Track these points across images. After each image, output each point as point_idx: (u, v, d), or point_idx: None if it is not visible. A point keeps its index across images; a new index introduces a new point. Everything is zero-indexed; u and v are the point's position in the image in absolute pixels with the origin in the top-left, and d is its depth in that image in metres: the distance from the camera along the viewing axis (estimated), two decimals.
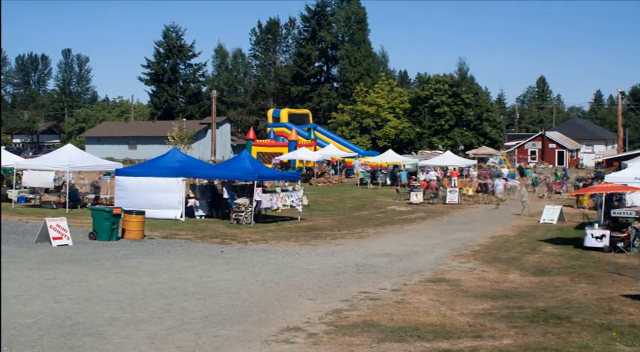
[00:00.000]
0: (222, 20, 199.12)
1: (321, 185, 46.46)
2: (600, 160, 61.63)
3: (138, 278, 15.01)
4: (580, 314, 12.38)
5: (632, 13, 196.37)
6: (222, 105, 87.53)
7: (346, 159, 55.60)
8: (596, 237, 20.32)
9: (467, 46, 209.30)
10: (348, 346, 10.29)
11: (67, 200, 28.46)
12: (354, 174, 52.35)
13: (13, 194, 30.43)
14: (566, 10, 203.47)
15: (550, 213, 27.78)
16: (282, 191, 27.78)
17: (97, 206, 25.89)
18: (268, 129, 62.51)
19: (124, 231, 21.04)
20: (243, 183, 27.17)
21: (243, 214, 25.38)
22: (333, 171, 52.61)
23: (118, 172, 27.82)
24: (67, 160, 28.91)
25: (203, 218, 26.75)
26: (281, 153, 52.15)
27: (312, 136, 58.73)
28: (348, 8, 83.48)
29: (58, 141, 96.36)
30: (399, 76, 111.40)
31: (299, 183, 30.16)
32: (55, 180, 30.69)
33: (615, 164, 48.82)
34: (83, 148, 56.24)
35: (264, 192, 26.87)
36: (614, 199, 24.53)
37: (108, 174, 31.47)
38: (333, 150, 54.53)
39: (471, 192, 39.79)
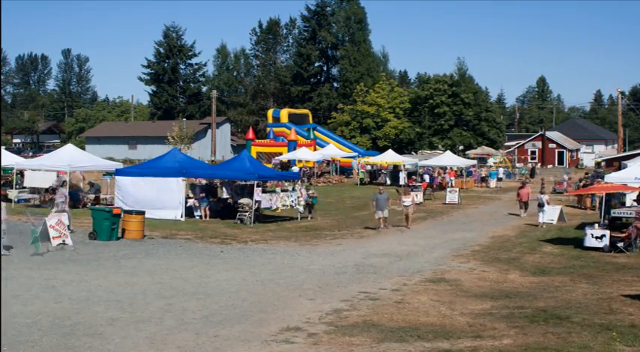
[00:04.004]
0: (222, 20, 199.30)
1: (321, 185, 46.46)
2: (599, 160, 61.66)
3: (138, 278, 15.01)
4: (580, 314, 12.37)
5: (632, 13, 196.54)
6: (222, 105, 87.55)
7: (344, 160, 55.53)
8: (596, 237, 20.32)
9: (467, 46, 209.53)
10: (348, 346, 10.28)
11: (67, 200, 28.41)
12: (352, 174, 52.50)
13: (13, 194, 30.42)
14: (566, 10, 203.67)
15: (550, 213, 27.76)
16: (282, 191, 27.80)
17: (97, 206, 25.90)
18: (268, 129, 62.50)
19: (123, 231, 21.05)
20: (243, 183, 27.19)
21: (247, 214, 25.39)
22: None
23: (118, 172, 27.82)
24: (67, 160, 28.88)
25: (203, 218, 26.73)
26: (281, 153, 52.14)
27: (312, 136, 58.72)
28: (347, 8, 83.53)
29: (58, 141, 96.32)
30: (399, 76, 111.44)
31: (299, 182, 30.17)
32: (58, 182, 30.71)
33: (615, 164, 48.84)
34: (83, 148, 56.15)
35: (263, 192, 26.90)
36: (614, 200, 24.53)
37: (108, 174, 31.48)
38: (333, 150, 54.53)
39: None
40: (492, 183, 48.82)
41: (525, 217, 29.06)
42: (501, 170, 55.90)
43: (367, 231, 24.75)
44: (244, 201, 25.75)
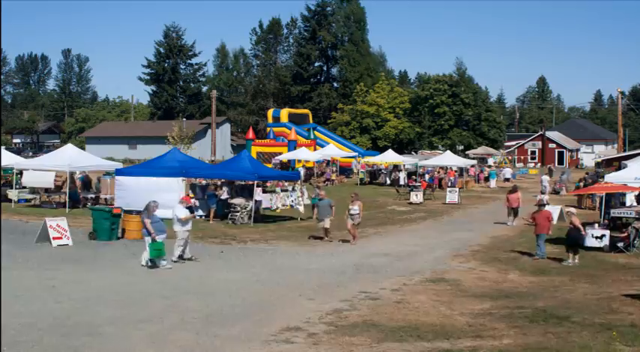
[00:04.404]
0: (222, 20, 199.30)
1: (321, 185, 46.41)
2: (600, 159, 61.54)
3: (138, 278, 15.01)
4: (580, 314, 12.37)
5: (631, 13, 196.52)
6: (222, 105, 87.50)
7: (343, 160, 55.41)
8: (596, 237, 20.31)
9: (466, 46, 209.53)
10: (348, 346, 10.29)
11: (67, 200, 28.46)
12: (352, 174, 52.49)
13: (13, 194, 30.41)
14: (566, 10, 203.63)
15: None
16: (282, 191, 27.78)
17: (97, 206, 25.88)
18: (268, 129, 62.51)
19: (123, 230, 21.03)
20: (243, 183, 27.17)
21: (238, 214, 25.27)
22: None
23: (118, 172, 27.81)
24: (67, 160, 28.91)
25: (203, 218, 26.72)
26: (280, 153, 52.11)
27: (312, 136, 58.71)
28: (347, 7, 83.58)
29: (58, 141, 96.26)
30: (398, 75, 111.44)
31: (299, 182, 30.17)
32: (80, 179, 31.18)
33: (615, 164, 48.81)
34: (83, 148, 56.16)
35: (264, 192, 26.88)
36: (614, 200, 24.56)
37: (108, 174, 31.50)
38: (333, 150, 54.50)
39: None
40: (493, 183, 48.86)
41: (514, 226, 26.74)
42: (508, 170, 55.49)
43: (368, 231, 24.71)
44: (236, 201, 25.71)
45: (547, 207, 26.85)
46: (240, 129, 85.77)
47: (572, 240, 18.69)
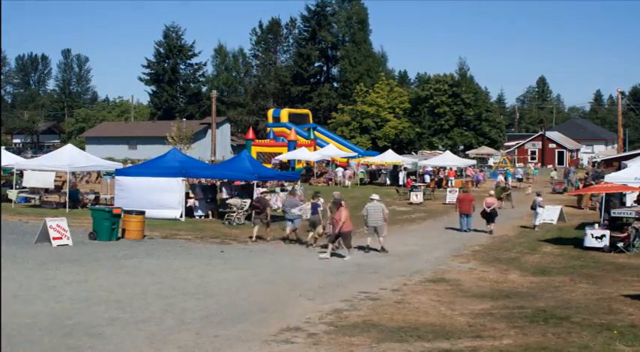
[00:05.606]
0: (223, 20, 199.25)
1: (321, 185, 46.45)
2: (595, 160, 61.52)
3: (138, 279, 15.00)
4: (580, 314, 12.37)
5: (631, 13, 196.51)
6: (222, 105, 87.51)
7: (341, 160, 55.38)
8: (596, 237, 20.31)
9: (467, 46, 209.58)
10: (348, 346, 10.28)
11: (68, 200, 28.46)
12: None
13: (13, 194, 30.42)
14: (566, 10, 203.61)
15: (550, 213, 27.74)
16: (282, 191, 27.77)
17: (97, 206, 25.89)
18: (268, 129, 62.54)
19: (124, 230, 21.04)
20: (243, 183, 27.17)
21: (234, 214, 25.23)
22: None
23: (118, 172, 27.83)
24: (67, 160, 28.92)
25: (203, 218, 26.72)
26: (280, 153, 52.11)
27: (312, 136, 58.71)
28: (349, 8, 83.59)
29: (58, 141, 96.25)
30: (398, 76, 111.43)
31: (299, 182, 30.15)
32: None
33: (615, 164, 48.84)
34: (83, 148, 56.16)
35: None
36: (614, 200, 24.53)
37: (109, 174, 31.51)
38: (333, 150, 54.49)
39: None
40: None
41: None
42: (520, 170, 54.68)
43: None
44: (232, 201, 25.70)
45: (547, 207, 27.02)
46: (240, 129, 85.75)
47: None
